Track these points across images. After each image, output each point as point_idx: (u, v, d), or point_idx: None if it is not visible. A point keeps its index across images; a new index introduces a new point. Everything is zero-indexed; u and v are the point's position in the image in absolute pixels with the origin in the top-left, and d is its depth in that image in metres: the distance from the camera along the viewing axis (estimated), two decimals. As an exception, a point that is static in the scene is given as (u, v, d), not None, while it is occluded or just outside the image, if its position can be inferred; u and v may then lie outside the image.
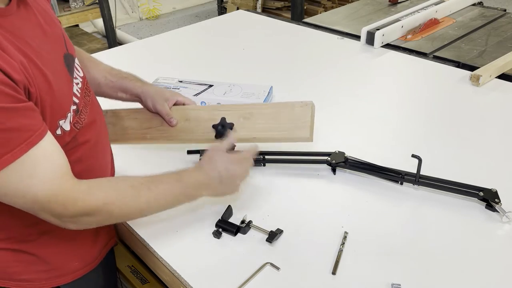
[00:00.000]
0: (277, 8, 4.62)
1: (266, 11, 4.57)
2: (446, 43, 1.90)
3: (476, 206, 1.04)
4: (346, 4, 2.78)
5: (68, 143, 0.83)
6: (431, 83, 1.60)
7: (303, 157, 1.18)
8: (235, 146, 1.02)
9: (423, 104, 1.49)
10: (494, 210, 1.01)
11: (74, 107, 0.85)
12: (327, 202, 1.07)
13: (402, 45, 1.89)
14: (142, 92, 1.13)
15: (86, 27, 4.82)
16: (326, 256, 0.92)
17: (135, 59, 1.84)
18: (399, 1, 2.38)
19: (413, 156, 1.04)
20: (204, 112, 1.16)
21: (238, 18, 2.34)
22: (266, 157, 1.18)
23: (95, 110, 0.96)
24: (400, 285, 0.84)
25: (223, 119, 1.11)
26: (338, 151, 1.16)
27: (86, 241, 0.97)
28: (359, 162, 1.13)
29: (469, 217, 1.01)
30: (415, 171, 1.06)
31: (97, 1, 3.80)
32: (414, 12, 2.06)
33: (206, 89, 1.47)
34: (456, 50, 1.84)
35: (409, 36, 1.96)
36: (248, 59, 1.83)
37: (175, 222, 1.01)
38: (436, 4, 2.14)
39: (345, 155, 1.14)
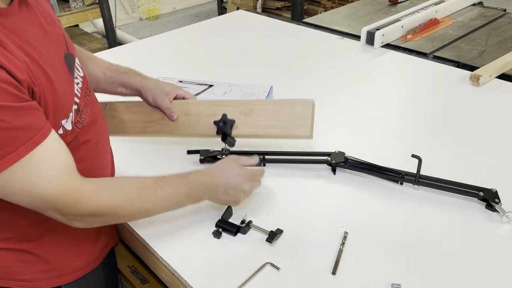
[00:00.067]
0: (277, 8, 4.62)
1: (266, 11, 4.57)
2: (446, 43, 1.90)
3: (476, 206, 1.04)
4: (346, 4, 2.78)
5: (69, 143, 0.84)
6: (431, 83, 1.60)
7: (303, 157, 1.18)
8: (264, 165, 1.04)
9: (423, 104, 1.49)
10: (494, 210, 1.01)
11: (75, 106, 0.86)
12: (327, 202, 1.07)
13: (402, 45, 1.89)
14: (142, 86, 1.14)
15: (86, 27, 4.82)
16: (326, 256, 0.92)
17: (135, 59, 1.84)
18: (399, 1, 2.38)
19: (413, 156, 1.04)
20: (204, 107, 1.16)
21: (238, 18, 2.34)
22: (266, 157, 1.18)
23: (95, 110, 0.96)
24: (400, 285, 0.84)
25: (224, 115, 1.12)
26: (338, 151, 1.16)
27: (87, 241, 0.97)
28: (359, 162, 1.13)
29: (469, 217, 1.01)
30: (415, 171, 1.06)
31: (97, 1, 3.80)
32: (414, 12, 2.06)
33: (206, 89, 1.47)
34: (456, 50, 1.84)
35: (409, 36, 1.96)
36: (248, 59, 1.83)
37: (175, 222, 1.01)
38: (436, 4, 2.14)
39: (345, 155, 1.14)
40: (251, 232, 0.99)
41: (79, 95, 0.88)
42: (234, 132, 1.12)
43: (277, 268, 0.90)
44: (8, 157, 0.68)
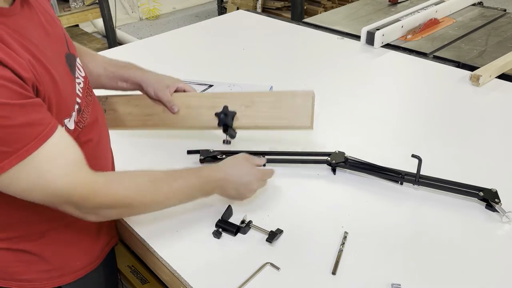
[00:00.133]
0: (277, 8, 4.62)
1: (266, 11, 4.57)
2: (446, 43, 1.90)
3: (476, 206, 1.04)
4: (346, 4, 2.78)
5: None
6: (431, 83, 1.60)
7: (303, 157, 1.18)
8: (265, 165, 1.06)
9: (423, 104, 1.49)
10: (494, 210, 1.01)
11: (76, 106, 0.86)
12: (327, 202, 1.07)
13: (402, 45, 1.89)
14: (143, 80, 1.14)
15: (86, 27, 4.82)
16: (326, 256, 0.92)
17: (135, 59, 1.83)
18: (399, 1, 2.38)
19: (413, 156, 1.04)
20: (205, 100, 1.17)
21: (238, 18, 2.34)
22: (266, 156, 1.17)
23: (96, 110, 0.97)
24: (400, 285, 0.84)
25: (225, 107, 1.12)
26: (338, 151, 1.16)
27: (88, 241, 0.97)
28: (359, 162, 1.13)
29: (469, 217, 1.01)
30: (415, 171, 1.06)
31: (97, 1, 3.80)
32: (414, 12, 2.06)
33: (206, 89, 1.47)
34: (456, 50, 1.84)
35: (409, 36, 1.96)
36: (248, 59, 1.83)
37: (175, 222, 1.01)
38: (436, 4, 2.14)
39: (345, 155, 1.14)
40: (251, 232, 0.99)
41: (80, 95, 0.89)
42: (235, 123, 1.13)
43: (277, 268, 0.90)
44: (17, 154, 0.68)
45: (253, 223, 1.00)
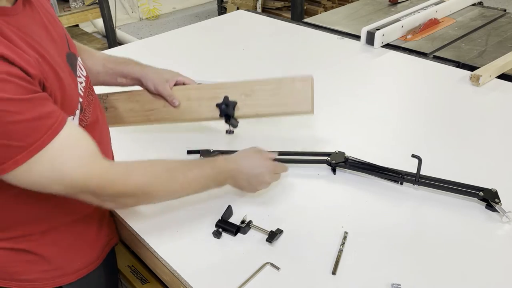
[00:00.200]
0: (277, 8, 4.62)
1: (266, 11, 4.57)
2: (446, 43, 1.90)
3: (476, 206, 1.04)
4: (346, 4, 2.78)
5: None
6: (431, 83, 1.60)
7: (303, 157, 1.18)
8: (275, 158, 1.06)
9: (423, 104, 1.49)
10: (494, 210, 1.01)
11: (79, 105, 0.87)
12: (327, 202, 1.07)
13: (402, 45, 1.89)
14: (142, 75, 1.15)
15: (86, 27, 4.82)
16: (326, 256, 0.92)
17: (135, 59, 1.84)
18: (399, 1, 2.38)
19: (413, 156, 1.04)
20: (205, 91, 1.17)
21: (238, 18, 2.34)
22: (266, 157, 1.18)
23: (97, 110, 0.97)
24: (400, 285, 0.84)
25: (225, 97, 1.13)
26: (338, 151, 1.16)
27: (89, 240, 0.97)
28: (359, 162, 1.13)
29: (469, 217, 1.01)
30: (415, 171, 1.06)
31: (97, 1, 3.80)
32: (414, 12, 2.06)
33: (206, 89, 1.46)
34: (456, 50, 1.84)
35: (409, 36, 1.96)
36: (248, 59, 1.83)
37: (175, 222, 1.01)
38: (436, 4, 2.14)
39: (345, 155, 1.14)
40: (251, 232, 0.99)
41: (82, 94, 0.89)
42: (236, 113, 1.13)
43: (277, 268, 0.90)
44: (30, 148, 0.69)
45: (253, 223, 1.00)
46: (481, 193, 1.02)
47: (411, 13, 2.04)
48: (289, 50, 1.90)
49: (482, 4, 2.34)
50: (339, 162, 1.13)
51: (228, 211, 1.02)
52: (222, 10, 5.20)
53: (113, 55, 1.18)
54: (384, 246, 0.94)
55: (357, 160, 1.14)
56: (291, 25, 2.19)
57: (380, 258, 0.92)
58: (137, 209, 1.05)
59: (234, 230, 0.97)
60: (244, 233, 0.98)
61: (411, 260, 0.91)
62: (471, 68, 1.65)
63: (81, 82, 0.90)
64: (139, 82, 1.16)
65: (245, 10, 2.53)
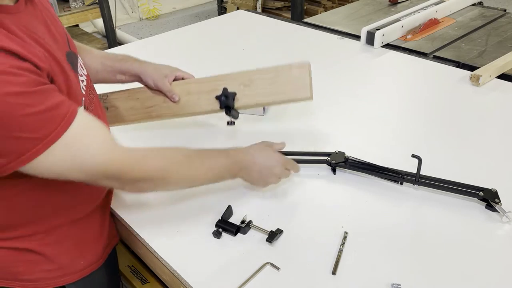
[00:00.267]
0: (277, 8, 4.62)
1: (266, 11, 4.57)
2: (446, 43, 1.90)
3: (476, 206, 1.04)
4: (346, 4, 2.78)
5: None
6: (431, 83, 1.60)
7: (303, 157, 1.18)
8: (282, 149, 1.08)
9: (423, 104, 1.49)
10: (494, 210, 1.01)
11: (82, 103, 0.87)
12: (327, 202, 1.07)
13: (402, 45, 1.89)
14: (141, 71, 1.15)
15: (86, 27, 4.82)
16: (326, 256, 0.92)
17: (135, 59, 1.84)
18: (399, 1, 2.38)
19: (413, 156, 1.04)
20: (204, 84, 1.18)
21: (238, 18, 2.34)
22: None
23: (98, 108, 0.98)
24: (400, 285, 0.84)
25: (225, 89, 1.13)
26: (338, 151, 1.16)
27: (91, 240, 0.97)
28: (359, 162, 1.13)
29: (469, 217, 1.01)
30: (415, 171, 1.06)
31: (97, 1, 3.80)
32: (414, 12, 2.06)
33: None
34: (456, 50, 1.84)
35: (409, 36, 1.96)
36: (248, 59, 1.83)
37: (175, 222, 1.01)
38: (436, 4, 2.14)
39: (345, 155, 1.14)
40: (251, 232, 0.99)
41: (84, 92, 0.90)
42: (236, 104, 1.14)
43: (277, 268, 0.90)
44: (47, 139, 0.70)
45: (253, 223, 1.00)
46: (481, 193, 1.02)
47: (411, 13, 2.04)
48: (289, 50, 1.90)
49: (482, 4, 2.34)
50: (339, 162, 1.13)
51: (228, 211, 1.02)
52: (222, 10, 5.20)
53: (112, 52, 1.18)
54: (384, 246, 0.94)
55: (357, 160, 1.14)
56: (291, 25, 2.19)
57: (380, 258, 0.92)
58: (137, 209, 1.05)
59: (234, 230, 0.97)
60: (244, 233, 0.98)
61: (411, 260, 0.91)
62: (471, 68, 1.65)
63: (82, 81, 0.90)
64: (138, 79, 1.16)
65: (245, 10, 2.53)
